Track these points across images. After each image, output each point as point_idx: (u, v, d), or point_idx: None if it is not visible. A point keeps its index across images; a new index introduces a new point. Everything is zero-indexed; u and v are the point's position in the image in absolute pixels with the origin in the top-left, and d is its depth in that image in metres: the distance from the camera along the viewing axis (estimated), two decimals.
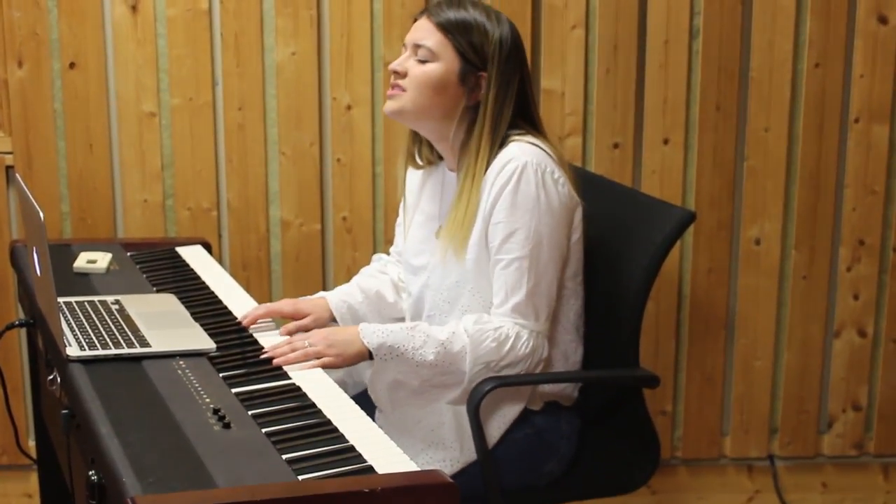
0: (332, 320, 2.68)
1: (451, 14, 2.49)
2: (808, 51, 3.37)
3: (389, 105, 2.52)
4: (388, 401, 2.47)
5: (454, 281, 2.50)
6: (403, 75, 2.49)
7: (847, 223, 3.48)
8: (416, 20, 2.55)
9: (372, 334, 2.38)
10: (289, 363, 2.33)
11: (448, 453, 2.44)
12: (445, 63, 2.47)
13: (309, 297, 2.75)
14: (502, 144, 2.46)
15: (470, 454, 2.44)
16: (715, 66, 3.37)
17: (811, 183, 3.45)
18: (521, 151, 2.43)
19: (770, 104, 3.40)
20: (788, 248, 3.49)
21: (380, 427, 2.05)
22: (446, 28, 2.47)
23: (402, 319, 2.73)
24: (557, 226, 2.43)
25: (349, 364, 2.40)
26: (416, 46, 2.49)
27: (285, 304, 2.66)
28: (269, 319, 2.59)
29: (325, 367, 2.34)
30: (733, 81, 3.38)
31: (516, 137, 2.47)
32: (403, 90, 2.49)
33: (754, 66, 3.38)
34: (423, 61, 2.48)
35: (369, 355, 2.38)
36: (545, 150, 2.46)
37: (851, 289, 3.52)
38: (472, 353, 2.37)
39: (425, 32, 2.49)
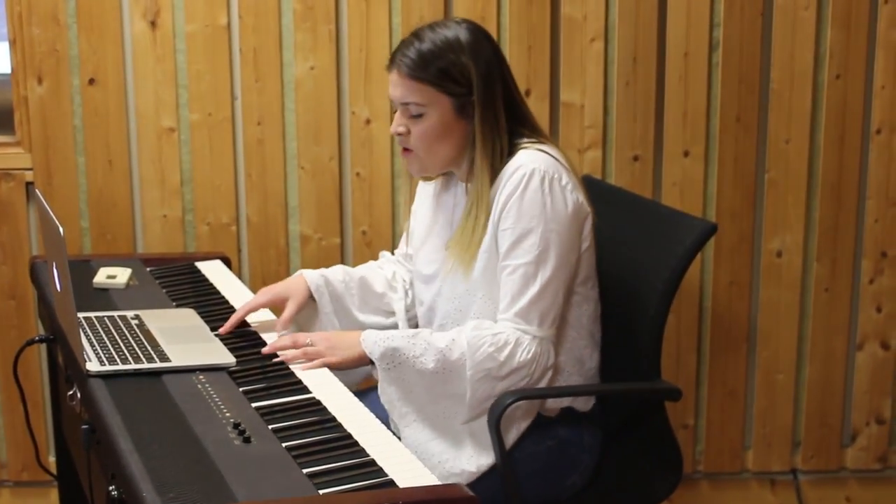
0: (311, 298, 2.69)
1: (413, 54, 2.44)
2: (828, 62, 3.36)
3: (412, 169, 2.56)
4: (400, 419, 2.46)
5: (464, 289, 2.50)
6: (407, 135, 2.49)
7: (869, 235, 3.46)
8: (388, 71, 2.51)
9: (374, 343, 2.39)
10: (290, 361, 2.38)
11: (467, 463, 2.42)
12: (437, 109, 2.45)
13: (291, 277, 2.76)
14: (511, 153, 2.46)
15: (487, 463, 2.42)
16: (735, 78, 3.36)
17: (833, 195, 3.43)
18: (529, 159, 2.43)
19: (791, 116, 3.38)
20: (810, 260, 3.48)
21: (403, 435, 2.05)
22: (417, 74, 2.43)
23: (391, 313, 2.75)
24: (565, 232, 2.42)
25: (350, 367, 2.43)
26: (403, 104, 2.48)
27: (261, 296, 2.65)
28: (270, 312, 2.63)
29: (325, 366, 2.37)
30: (754, 93, 3.37)
31: (526, 145, 2.47)
32: (415, 150, 2.50)
33: (775, 78, 3.37)
34: (417, 116, 2.47)
35: (370, 360, 2.40)
36: (555, 157, 2.46)
37: (874, 301, 3.50)
38: (470, 360, 2.36)
39: (404, 89, 2.46)
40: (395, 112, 2.52)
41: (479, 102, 2.44)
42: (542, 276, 2.40)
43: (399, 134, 2.50)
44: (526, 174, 2.40)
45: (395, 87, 2.48)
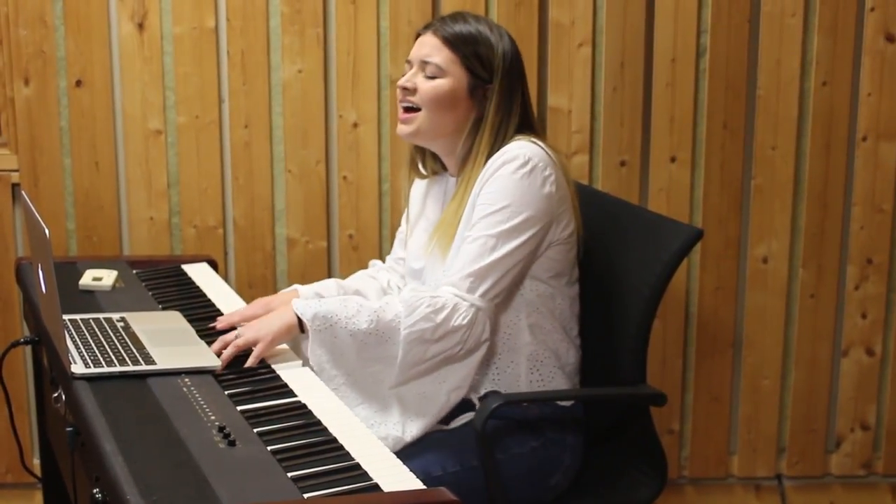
0: None
1: (456, 28, 2.52)
2: (815, 69, 3.37)
3: (403, 129, 2.56)
4: (328, 381, 2.41)
5: (442, 271, 2.51)
6: (413, 91, 2.51)
7: (855, 242, 3.47)
8: (419, 35, 2.57)
9: (305, 306, 2.39)
10: (227, 361, 2.34)
11: (393, 429, 2.41)
12: (454, 78, 2.50)
13: (284, 290, 2.76)
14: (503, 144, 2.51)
15: (414, 432, 2.41)
16: (722, 84, 3.36)
17: (819, 201, 3.44)
18: (518, 147, 2.46)
19: (777, 122, 3.39)
20: (796, 266, 3.48)
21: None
22: (452, 43, 2.50)
23: None
24: (537, 218, 2.44)
25: (281, 341, 2.40)
26: (424, 63, 2.52)
27: (258, 307, 2.61)
28: None
29: (262, 353, 2.35)
30: (740, 99, 3.37)
31: (520, 137, 2.51)
32: (417, 111, 2.52)
33: (761, 85, 3.37)
34: (431, 77, 2.50)
35: (300, 328, 2.39)
36: (545, 150, 2.48)
37: (859, 308, 3.51)
38: (405, 319, 2.36)
39: (431, 48, 2.52)
40: (403, 75, 2.56)
41: (498, 92, 2.50)
42: (500, 251, 2.41)
43: (405, 89, 2.53)
44: (510, 157, 2.44)
45: (424, 46, 2.53)
